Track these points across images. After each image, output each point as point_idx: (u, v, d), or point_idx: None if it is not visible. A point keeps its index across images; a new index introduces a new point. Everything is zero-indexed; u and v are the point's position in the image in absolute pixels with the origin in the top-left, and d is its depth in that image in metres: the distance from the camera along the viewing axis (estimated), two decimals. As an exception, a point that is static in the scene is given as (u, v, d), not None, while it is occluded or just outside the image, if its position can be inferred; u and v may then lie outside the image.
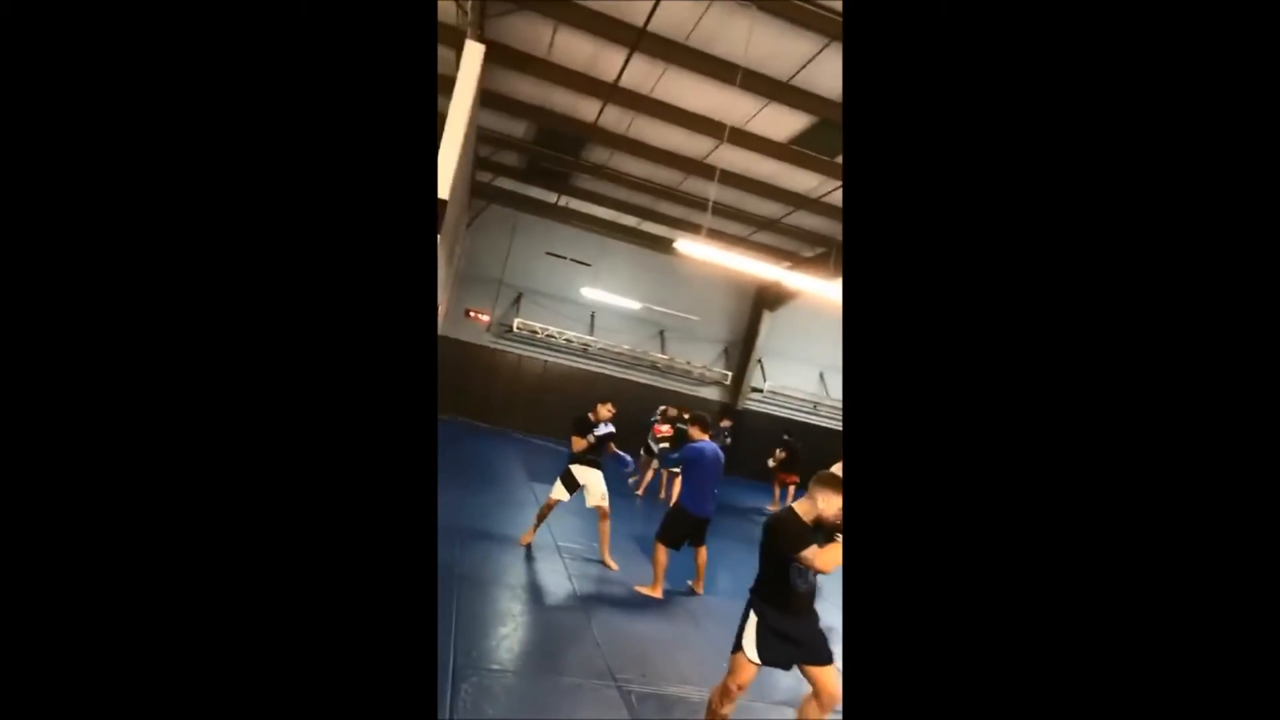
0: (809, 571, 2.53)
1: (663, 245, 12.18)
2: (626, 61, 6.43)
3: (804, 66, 6.01)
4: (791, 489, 9.10)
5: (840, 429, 14.03)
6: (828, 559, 2.41)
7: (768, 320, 13.38)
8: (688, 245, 6.83)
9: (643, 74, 6.80)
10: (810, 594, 2.61)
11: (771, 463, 9.51)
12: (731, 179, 8.76)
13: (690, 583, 4.92)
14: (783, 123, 7.20)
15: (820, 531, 2.51)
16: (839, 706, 2.49)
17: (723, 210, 10.05)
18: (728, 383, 13.56)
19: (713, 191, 8.55)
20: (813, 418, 14.08)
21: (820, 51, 5.75)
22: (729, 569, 5.68)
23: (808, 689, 2.62)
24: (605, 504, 5.08)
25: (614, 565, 5.07)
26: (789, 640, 2.54)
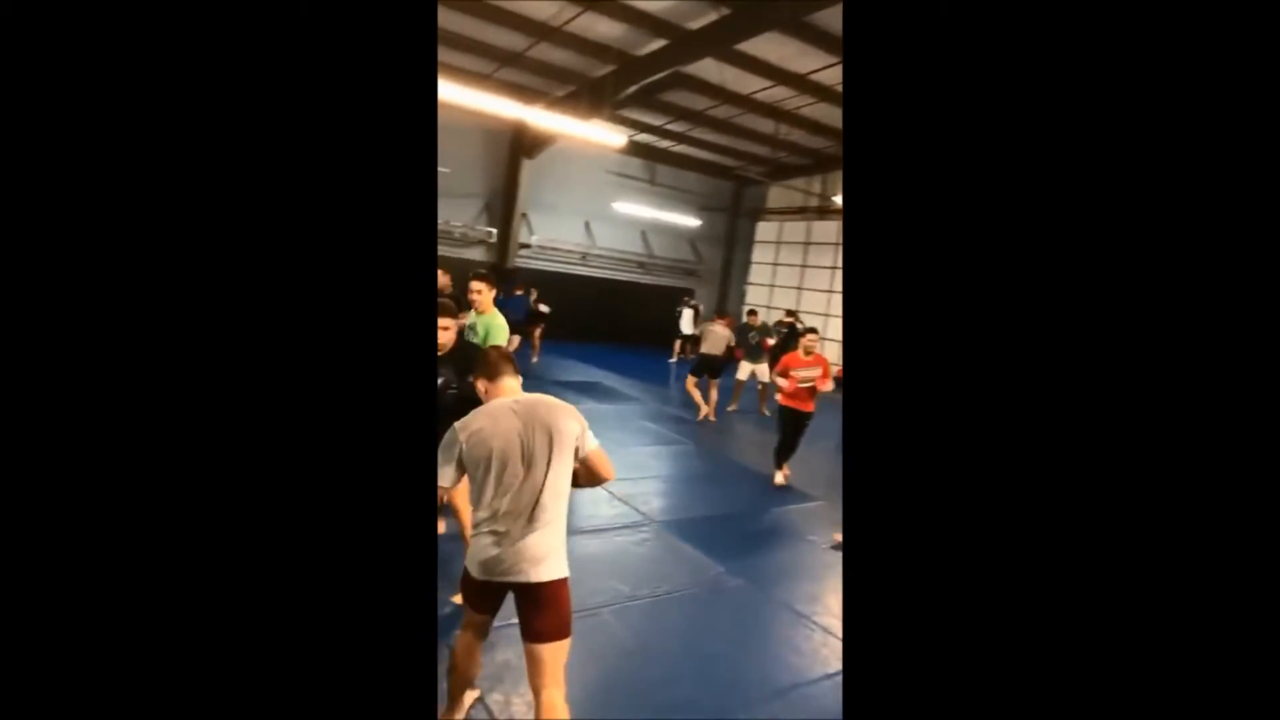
0: None
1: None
2: None
3: None
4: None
5: (608, 277, 14.37)
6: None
7: (527, 169, 12.67)
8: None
9: None
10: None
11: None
12: (463, 5, 7.68)
13: None
14: (511, -67, 6.29)
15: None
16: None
17: (457, 41, 8.92)
18: (493, 240, 12.90)
19: (441, 18, 7.44)
20: (580, 268, 14.08)
21: None
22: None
23: None
24: None
25: None
26: None
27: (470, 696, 2.27)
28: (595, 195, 13.92)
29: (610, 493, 4.59)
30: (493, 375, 2.08)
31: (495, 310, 3.81)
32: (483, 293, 3.75)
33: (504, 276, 11.13)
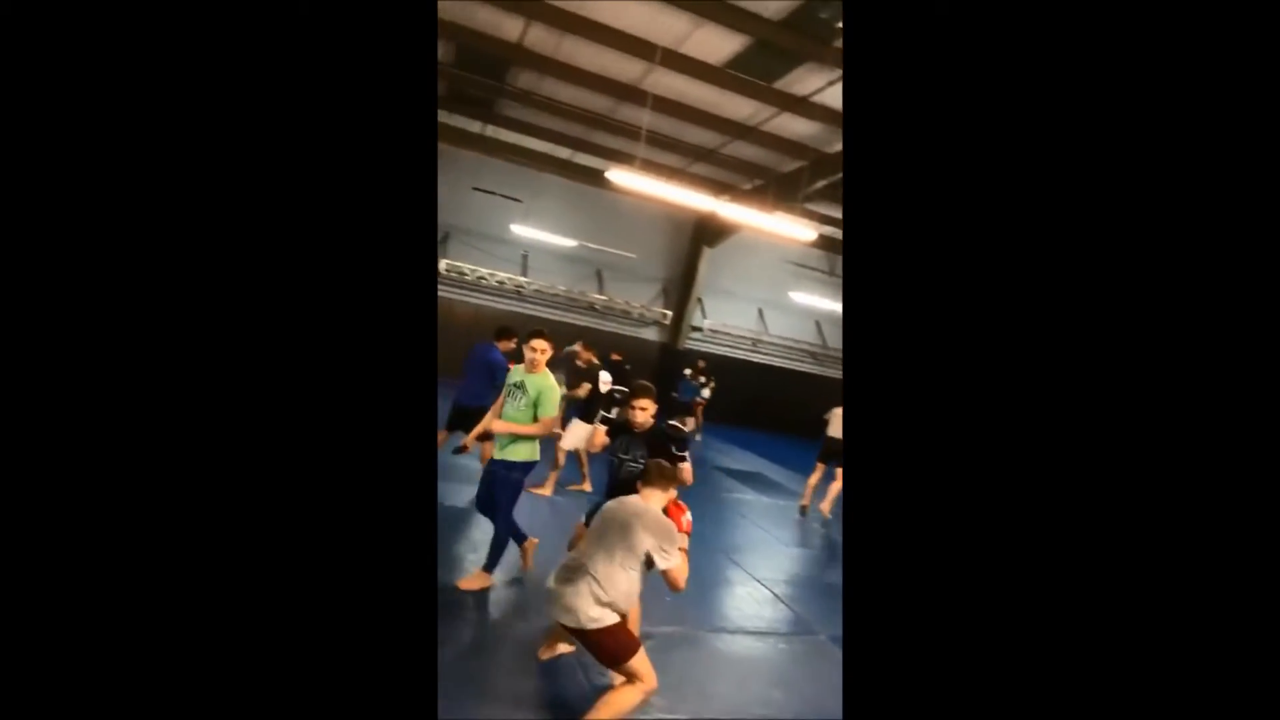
0: None
1: (597, 179, 11.63)
2: (549, -29, 5.85)
3: (741, -20, 5.58)
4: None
5: (778, 365, 14.21)
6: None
7: (707, 256, 13.13)
8: (621, 176, 6.44)
9: (568, -13, 6.23)
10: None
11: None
12: (666, 106, 8.31)
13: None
14: (718, 44, 6.77)
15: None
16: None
17: (658, 140, 9.61)
18: (667, 322, 13.36)
19: (646, 119, 8.09)
20: (751, 354, 14.09)
21: (758, -38, 5.32)
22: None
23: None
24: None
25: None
26: None
27: (562, 647, 2.92)
28: (772, 284, 14.03)
29: (775, 594, 4.41)
30: (653, 486, 2.59)
31: (548, 372, 3.49)
32: (545, 352, 3.44)
33: (676, 358, 11.46)
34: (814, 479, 7.01)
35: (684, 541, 2.55)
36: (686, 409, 10.68)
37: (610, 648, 2.29)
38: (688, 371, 11.23)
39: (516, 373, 3.48)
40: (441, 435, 5.24)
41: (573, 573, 2.35)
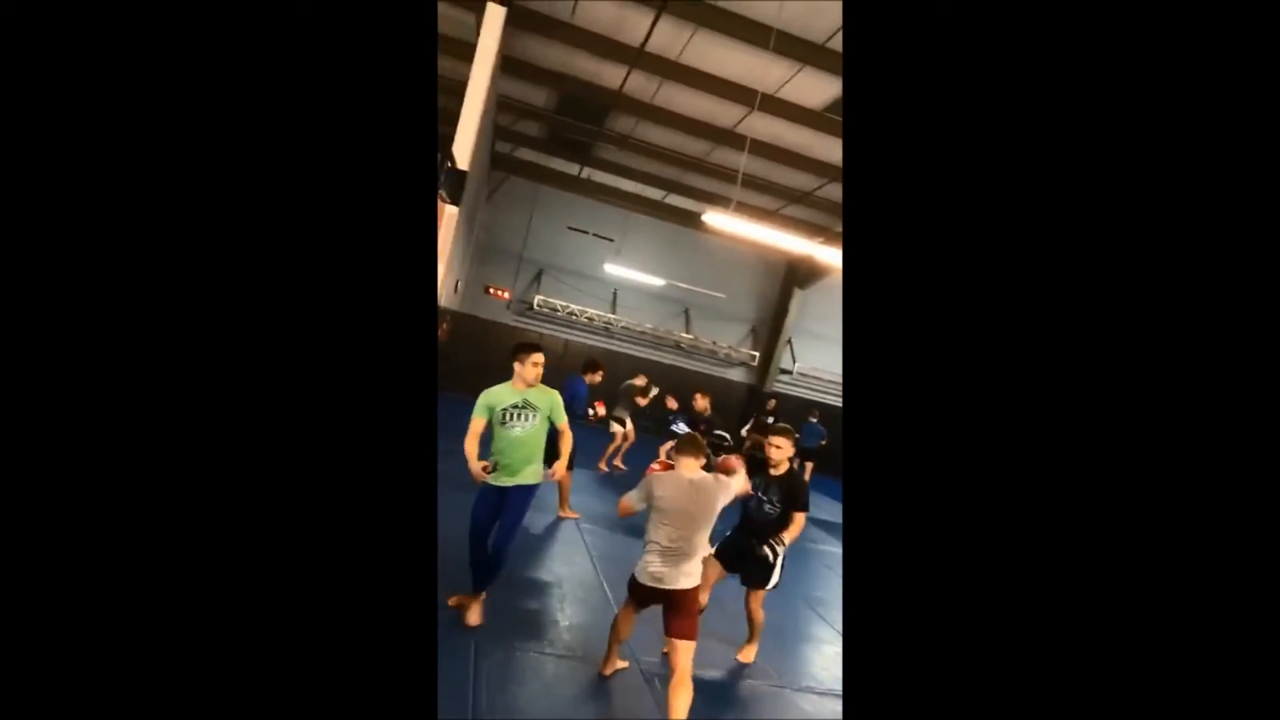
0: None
1: (689, 220, 11.78)
2: (654, 24, 6.05)
3: (840, 29, 5.57)
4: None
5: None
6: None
7: (798, 298, 12.94)
8: (716, 218, 6.48)
9: (670, 37, 6.42)
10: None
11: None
12: (762, 149, 8.35)
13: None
14: (817, 89, 6.78)
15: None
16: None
17: (752, 182, 9.63)
18: (755, 364, 13.20)
19: (742, 162, 8.15)
20: (839, 399, 13.67)
21: (862, 8, 5.31)
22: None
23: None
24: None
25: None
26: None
27: (619, 663, 3.11)
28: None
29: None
30: (686, 455, 2.92)
31: (544, 386, 3.36)
32: (541, 365, 3.31)
33: (763, 398, 11.26)
34: None
35: (741, 474, 3.05)
36: (810, 455, 10.34)
37: (694, 613, 2.74)
38: (814, 418, 10.95)
39: (510, 393, 3.29)
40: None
41: (666, 550, 2.74)
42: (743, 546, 3.42)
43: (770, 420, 10.88)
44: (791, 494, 3.35)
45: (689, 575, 2.72)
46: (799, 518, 3.33)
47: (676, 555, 2.71)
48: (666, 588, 2.70)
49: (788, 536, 3.31)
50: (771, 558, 3.33)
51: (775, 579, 3.44)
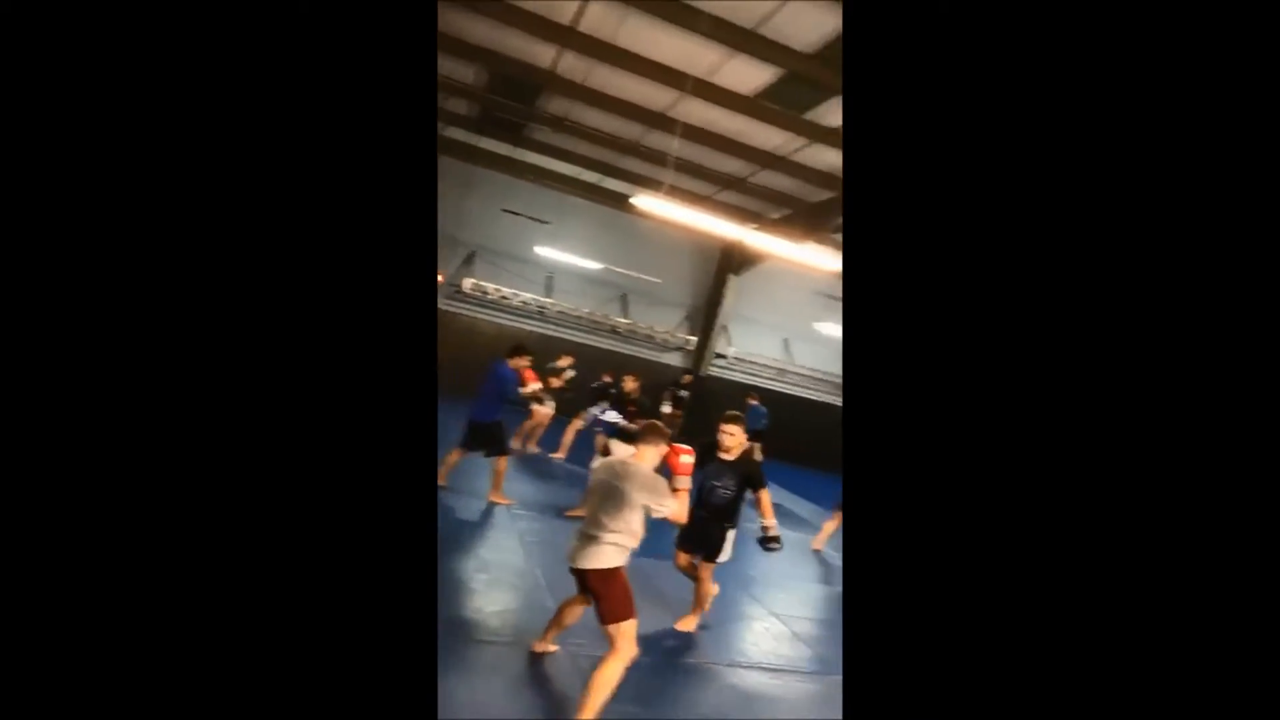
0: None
1: (625, 204, 11.71)
2: (585, 1, 5.93)
3: (772, 16, 5.60)
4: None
5: (804, 395, 14.05)
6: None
7: (733, 284, 13.08)
8: (647, 202, 6.46)
9: (603, 18, 6.31)
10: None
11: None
12: (696, 134, 8.34)
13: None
14: (750, 75, 6.80)
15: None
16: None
17: (686, 167, 9.64)
18: (690, 347, 13.30)
19: (675, 146, 8.14)
20: (774, 384, 13.95)
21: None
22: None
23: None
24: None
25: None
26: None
27: (550, 646, 3.12)
28: (798, 314, 13.92)
29: (795, 633, 4.29)
30: (646, 443, 2.87)
31: None
32: None
33: (677, 375, 11.38)
34: (831, 525, 6.85)
35: (684, 482, 2.85)
36: (759, 435, 10.40)
37: (619, 596, 2.62)
38: (754, 400, 11.08)
39: None
40: (455, 454, 5.23)
41: (585, 532, 2.71)
42: (704, 529, 3.73)
43: (683, 394, 11.04)
44: (748, 476, 3.69)
45: (599, 557, 2.66)
46: (764, 495, 3.73)
47: (588, 535, 2.70)
48: (577, 566, 2.70)
49: (768, 518, 3.74)
50: (724, 536, 3.75)
51: (727, 553, 3.80)
